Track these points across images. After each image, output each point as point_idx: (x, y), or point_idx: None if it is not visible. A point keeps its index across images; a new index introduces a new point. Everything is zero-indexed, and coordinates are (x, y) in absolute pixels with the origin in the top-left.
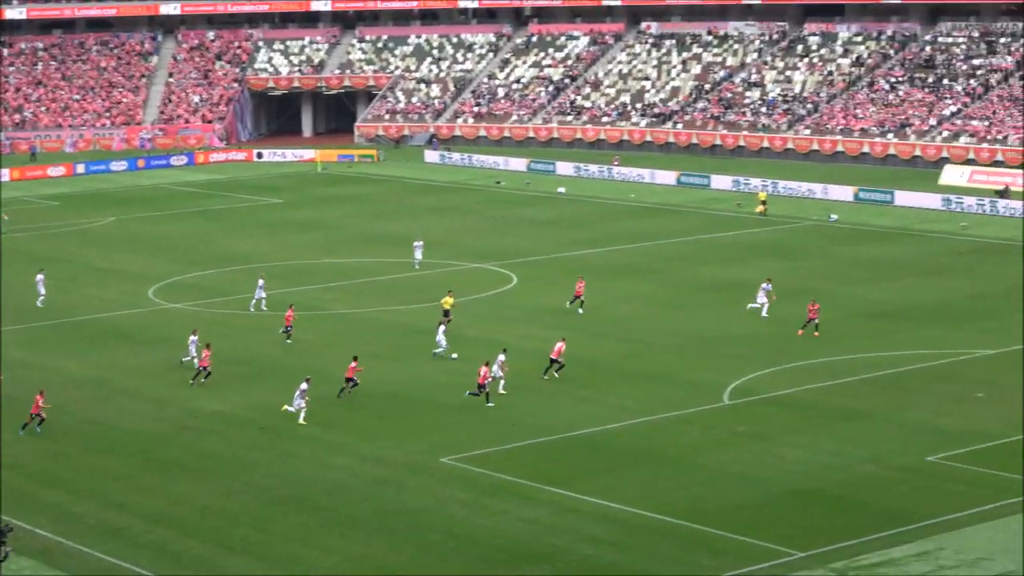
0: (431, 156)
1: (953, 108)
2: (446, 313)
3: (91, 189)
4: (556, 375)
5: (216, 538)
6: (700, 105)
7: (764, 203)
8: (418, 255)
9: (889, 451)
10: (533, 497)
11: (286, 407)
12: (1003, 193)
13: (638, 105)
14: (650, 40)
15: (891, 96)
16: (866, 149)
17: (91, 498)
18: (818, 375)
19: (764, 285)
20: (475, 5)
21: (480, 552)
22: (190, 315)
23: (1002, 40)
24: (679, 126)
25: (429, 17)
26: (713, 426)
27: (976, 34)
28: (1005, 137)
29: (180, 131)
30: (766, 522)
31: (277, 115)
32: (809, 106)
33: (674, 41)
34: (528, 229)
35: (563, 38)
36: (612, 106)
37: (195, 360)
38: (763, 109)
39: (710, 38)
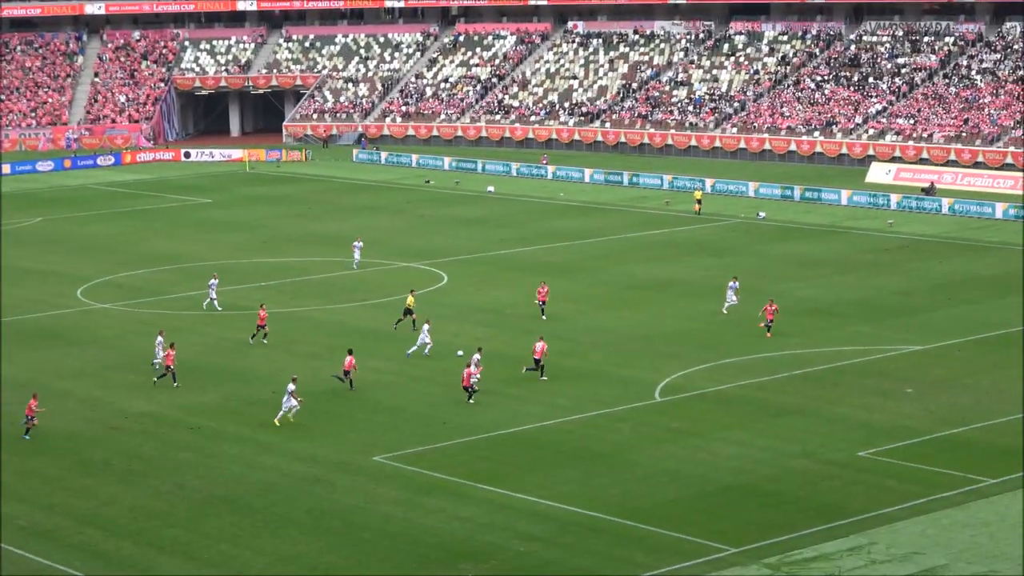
0: (364, 156)
1: (879, 106)
2: (408, 311)
3: (17, 190)
4: (544, 377)
5: (147, 539)
6: (627, 104)
7: (699, 202)
8: (357, 255)
9: (821, 446)
10: (467, 495)
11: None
12: (928, 190)
13: (566, 104)
14: (577, 39)
15: (817, 94)
16: (793, 147)
17: (21, 499)
18: (750, 371)
19: (731, 284)
20: (401, 5)
21: (415, 550)
22: (119, 315)
23: (926, 38)
24: (607, 125)
25: (356, 17)
26: (646, 423)
27: (900, 33)
28: (930, 135)
29: (107, 131)
30: (699, 518)
31: (204, 115)
32: (736, 105)
33: (601, 40)
34: (458, 228)
35: (490, 37)
36: (540, 105)
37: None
38: (690, 108)
39: (637, 37)
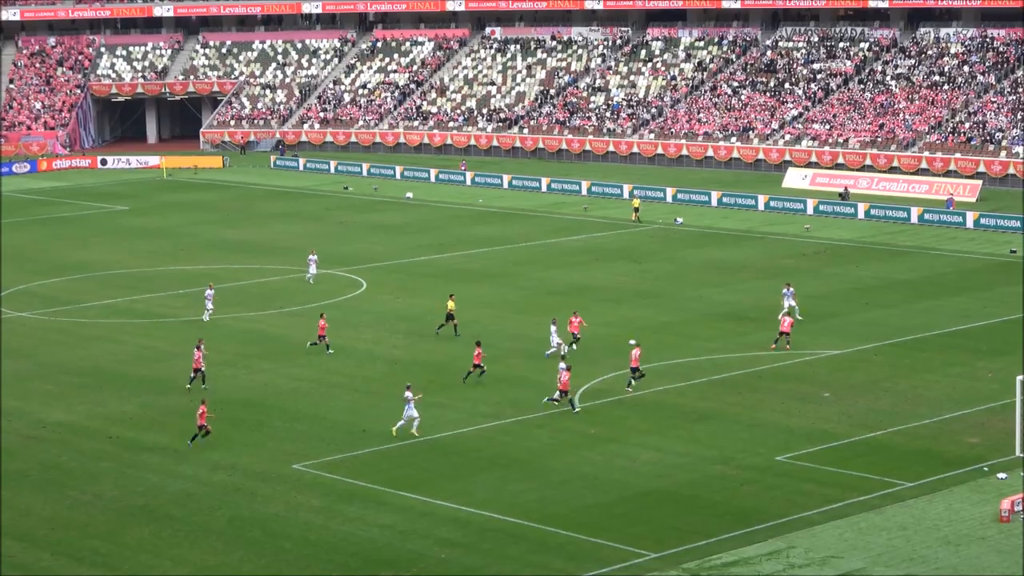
0: (281, 162)
1: (795, 112)
2: (450, 316)
3: None
4: (633, 383)
5: (65, 550)
6: (545, 110)
7: (637, 209)
8: (312, 269)
9: (739, 451)
10: (387, 502)
11: (399, 425)
12: (844, 195)
13: (484, 110)
14: (495, 45)
15: (734, 100)
16: (710, 153)
17: None
18: (668, 377)
19: (785, 291)
20: (319, 11)
21: (335, 558)
22: (35, 324)
23: (841, 44)
24: (525, 131)
25: (273, 22)
26: (564, 429)
27: (816, 38)
28: (846, 140)
29: (22, 138)
30: (618, 523)
31: (121, 121)
32: (653, 110)
33: (519, 46)
34: (376, 234)
35: (408, 44)
36: (458, 111)
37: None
38: (608, 114)
39: (554, 43)
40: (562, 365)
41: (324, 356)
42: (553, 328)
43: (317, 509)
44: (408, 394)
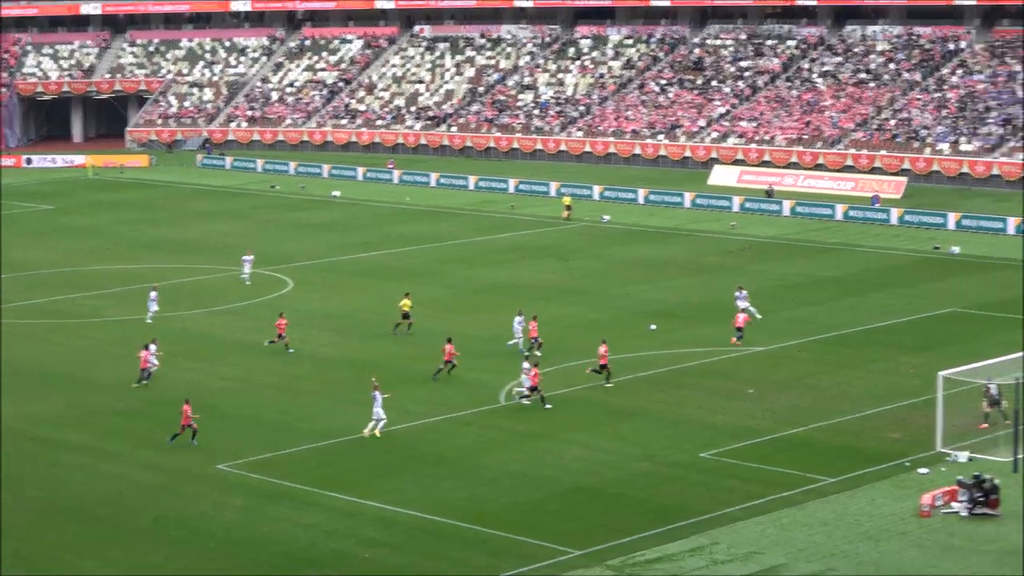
0: (207, 161)
1: (722, 109)
2: (405, 315)
3: None
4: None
5: None
6: (474, 108)
7: (569, 208)
8: (247, 268)
9: (665, 448)
10: (313, 502)
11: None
12: (769, 193)
13: (412, 108)
14: (423, 43)
15: (661, 98)
16: (637, 151)
17: None
18: (594, 375)
19: (738, 293)
20: (247, 9)
21: (260, 558)
22: None
23: (768, 42)
24: (453, 129)
25: (201, 21)
26: (491, 427)
27: (743, 36)
28: (772, 138)
29: None
30: (544, 521)
31: (47, 120)
32: (581, 108)
33: (447, 44)
34: (303, 233)
35: (336, 41)
36: (386, 109)
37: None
38: (536, 112)
39: (483, 41)
40: (525, 365)
41: (250, 355)
42: (518, 320)
43: (242, 508)
44: (376, 393)
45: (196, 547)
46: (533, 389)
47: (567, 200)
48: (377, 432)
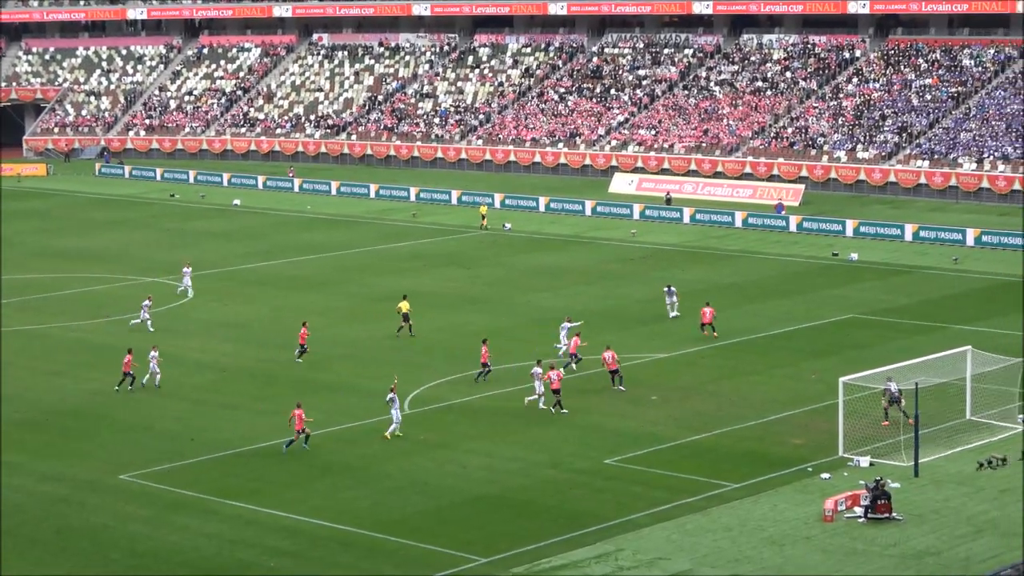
0: (106, 169)
1: (621, 118)
2: (406, 318)
3: None
4: (622, 387)
5: None
6: (374, 116)
7: (484, 216)
8: (186, 280)
9: (569, 455)
10: (216, 511)
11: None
12: (669, 200)
13: (312, 116)
14: (322, 52)
15: (560, 106)
16: (537, 159)
17: None
18: (497, 382)
19: (667, 289)
20: (144, 17)
21: (163, 569)
22: None
23: (666, 51)
24: (353, 137)
25: (97, 29)
26: (395, 435)
27: (641, 45)
28: (671, 146)
29: None
30: (449, 529)
31: None
32: (481, 117)
33: (346, 53)
34: (203, 242)
35: (235, 50)
36: (286, 118)
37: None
38: (436, 120)
39: (382, 50)
40: (537, 370)
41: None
42: (564, 326)
43: (145, 519)
44: (392, 395)
45: (100, 559)
46: (556, 392)
47: (483, 209)
48: (387, 434)
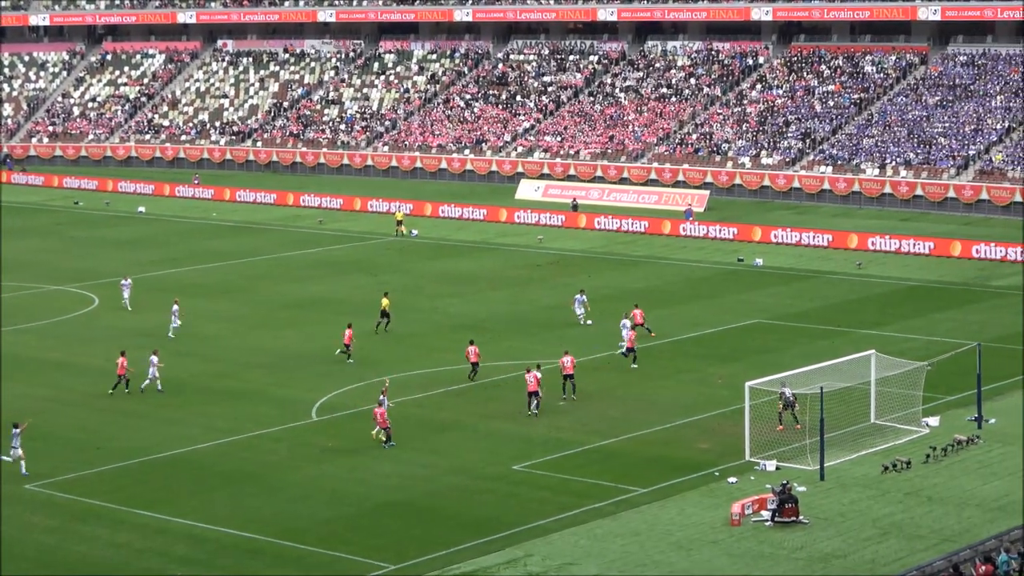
0: (16, 178)
1: (527, 124)
2: (384, 314)
3: None
4: (573, 395)
5: None
6: (279, 123)
7: (400, 222)
8: (126, 294)
9: (477, 461)
10: (123, 521)
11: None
12: (575, 207)
13: (217, 123)
14: (227, 58)
15: (467, 113)
16: (444, 165)
17: None
18: (406, 388)
19: (578, 296)
20: (46, 23)
21: None
22: None
23: (571, 57)
24: (259, 144)
25: None
26: (303, 443)
27: (546, 51)
28: (577, 152)
29: None
30: (357, 536)
31: None
32: (387, 123)
33: (251, 59)
34: (108, 249)
35: (138, 56)
36: (190, 124)
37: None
38: (342, 126)
39: (287, 56)
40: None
41: (56, 374)
42: (625, 322)
43: (51, 529)
44: (382, 398)
45: (9, 569)
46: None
47: (399, 215)
48: (373, 434)
